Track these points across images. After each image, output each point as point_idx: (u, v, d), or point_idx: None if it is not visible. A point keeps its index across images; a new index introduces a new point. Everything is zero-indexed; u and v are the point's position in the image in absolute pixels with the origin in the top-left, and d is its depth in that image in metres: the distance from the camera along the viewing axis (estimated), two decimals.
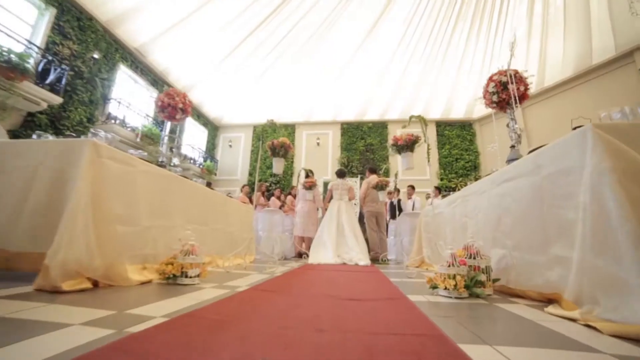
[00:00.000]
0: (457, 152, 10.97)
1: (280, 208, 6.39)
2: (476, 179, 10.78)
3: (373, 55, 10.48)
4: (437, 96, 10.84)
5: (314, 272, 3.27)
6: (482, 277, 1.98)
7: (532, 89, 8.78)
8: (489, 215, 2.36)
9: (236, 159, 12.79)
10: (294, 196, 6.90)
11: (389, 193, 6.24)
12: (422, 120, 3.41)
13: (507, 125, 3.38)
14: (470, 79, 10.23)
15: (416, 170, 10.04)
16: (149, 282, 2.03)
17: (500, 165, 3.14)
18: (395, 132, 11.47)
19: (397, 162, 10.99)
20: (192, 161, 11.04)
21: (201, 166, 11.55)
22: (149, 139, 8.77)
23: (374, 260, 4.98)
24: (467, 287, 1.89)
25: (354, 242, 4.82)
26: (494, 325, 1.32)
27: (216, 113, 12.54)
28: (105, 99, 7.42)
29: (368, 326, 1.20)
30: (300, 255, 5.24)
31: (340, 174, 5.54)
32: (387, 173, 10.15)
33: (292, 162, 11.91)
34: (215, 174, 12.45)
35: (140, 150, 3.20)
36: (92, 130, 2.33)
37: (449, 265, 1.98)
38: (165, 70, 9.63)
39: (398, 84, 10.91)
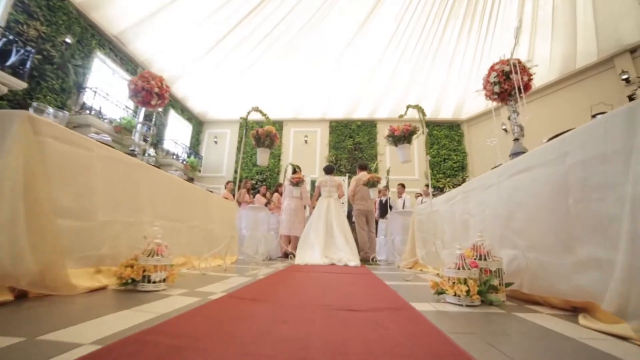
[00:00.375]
0: (445, 153, 10.87)
1: (265, 205, 6.04)
2: (464, 180, 10.73)
3: (363, 52, 10.24)
4: (427, 96, 10.70)
5: (301, 274, 2.95)
6: (495, 282, 1.72)
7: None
8: (497, 211, 2.11)
9: (221, 155, 12.32)
10: (281, 194, 6.56)
11: (379, 191, 6.00)
12: (420, 111, 3.15)
13: (509, 118, 3.15)
14: (460, 79, 10.15)
15: (405, 169, 9.87)
16: (103, 288, 1.67)
17: (502, 161, 2.92)
18: (387, 128, 11.28)
19: (386, 160, 10.79)
20: (174, 157, 10.51)
21: (184, 162, 11.04)
22: (127, 131, 8.24)
23: (364, 260, 4.71)
24: (479, 292, 1.62)
25: (344, 241, 4.54)
26: (529, 344, 1.05)
27: (201, 107, 12.04)
28: (80, 87, 6.87)
29: (374, 348, 0.90)
30: (286, 255, 4.92)
31: (329, 170, 5.25)
32: (376, 172, 9.90)
33: (279, 159, 11.55)
34: (200, 171, 11.94)
35: (103, 135, 2.81)
36: (34, 104, 1.93)
37: (458, 268, 1.71)
38: (148, 60, 9.10)
39: (388, 82, 10.72)
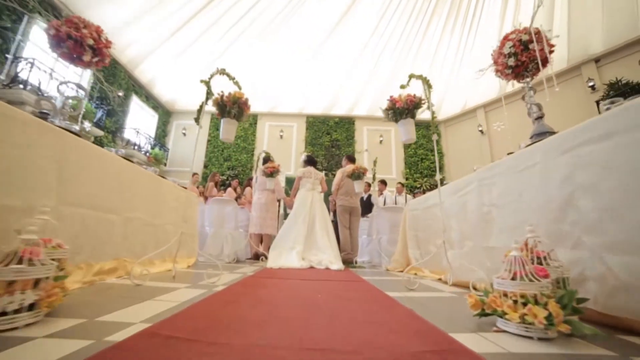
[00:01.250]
0: (423, 152, 10.59)
1: (236, 200, 5.24)
2: (441, 180, 10.47)
3: (343, 45, 9.70)
4: (406, 94, 10.33)
5: (274, 282, 2.25)
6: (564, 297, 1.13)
7: (496, 94, 8.42)
8: (543, 199, 1.54)
9: (190, 148, 11.22)
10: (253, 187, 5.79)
11: (368, 185, 5.44)
12: (426, 82, 2.57)
13: (523, 98, 2.65)
14: (440, 78, 9.89)
15: (382, 168, 9.39)
16: None
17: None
18: (363, 130, 10.84)
19: (363, 159, 10.31)
20: (135, 147, 9.32)
21: (148, 154, 9.87)
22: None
23: (346, 262, 4.08)
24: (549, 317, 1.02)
25: (326, 242, 3.88)
26: None
27: (169, 96, 10.90)
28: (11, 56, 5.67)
29: None
30: (257, 257, 4.18)
31: (311, 161, 4.57)
32: None
33: (252, 154, 10.70)
34: (165, 164, 10.79)
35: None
36: None
37: (514, 277, 1.10)
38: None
39: (367, 79, 10.25)
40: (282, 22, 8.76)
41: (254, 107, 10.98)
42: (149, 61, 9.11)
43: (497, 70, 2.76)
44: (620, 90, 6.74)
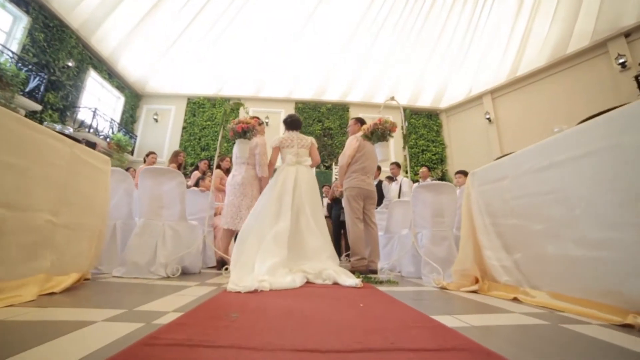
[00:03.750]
0: (424, 143, 9.20)
1: (197, 185, 3.58)
2: (443, 173, 9.14)
3: (335, 22, 8.22)
4: (405, 79, 8.96)
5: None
6: None
7: (505, 78, 7.00)
8: None
9: (162, 136, 9.42)
10: (226, 170, 4.13)
11: (378, 169, 3.90)
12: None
13: None
14: (444, 63, 8.55)
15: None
16: None
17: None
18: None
19: None
20: (91, 130, 7.44)
21: (109, 140, 7.99)
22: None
23: (358, 272, 2.52)
24: None
25: (318, 239, 2.33)
26: None
27: (138, 75, 9.05)
28: None
29: None
30: (223, 265, 2.53)
31: (294, 123, 3.02)
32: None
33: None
34: (132, 153, 8.93)
35: None
36: None
37: None
38: None
39: (363, 60, 8.80)
40: None
41: (237, 90, 9.31)
42: (106, 29, 7.28)
43: None
44: None
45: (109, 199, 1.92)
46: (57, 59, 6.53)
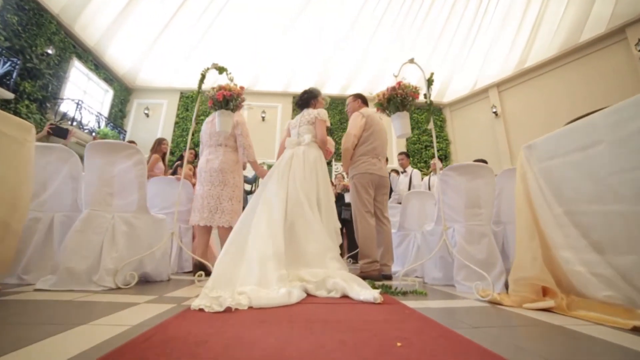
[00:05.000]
0: (427, 139, 8.67)
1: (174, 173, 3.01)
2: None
3: (334, 10, 7.70)
4: (409, 72, 8.42)
5: None
6: None
7: (512, 70, 6.45)
8: None
9: (153, 131, 8.79)
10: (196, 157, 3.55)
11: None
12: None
13: None
14: (448, 55, 8.04)
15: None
16: None
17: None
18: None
19: None
20: (73, 123, 6.84)
21: (94, 134, 7.39)
22: None
23: (373, 279, 1.96)
24: None
25: (320, 238, 1.77)
26: None
27: (127, 68, 8.47)
28: None
29: None
30: (200, 268, 1.95)
31: (302, 102, 2.48)
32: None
33: None
34: None
35: None
36: None
37: None
38: None
39: (363, 52, 8.28)
40: None
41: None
42: (89, 15, 6.70)
43: None
44: None
45: (27, 180, 1.34)
46: (35, 45, 5.93)
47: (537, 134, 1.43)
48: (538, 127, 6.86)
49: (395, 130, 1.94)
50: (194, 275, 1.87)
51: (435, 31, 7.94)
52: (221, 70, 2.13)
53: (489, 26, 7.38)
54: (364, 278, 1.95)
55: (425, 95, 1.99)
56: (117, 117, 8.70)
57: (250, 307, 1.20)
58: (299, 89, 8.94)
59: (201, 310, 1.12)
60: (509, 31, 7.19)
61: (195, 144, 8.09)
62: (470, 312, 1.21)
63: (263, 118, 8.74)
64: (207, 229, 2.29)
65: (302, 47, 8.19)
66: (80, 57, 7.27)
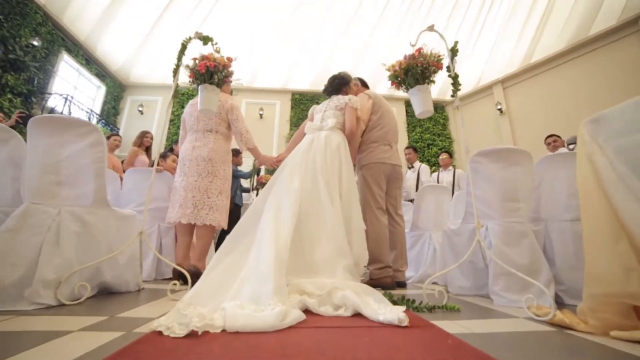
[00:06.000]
0: (429, 137, 8.34)
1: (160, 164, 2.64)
2: (454, 166, 8.26)
3: (334, 7, 7.39)
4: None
5: None
6: None
7: (518, 66, 6.09)
8: None
9: (148, 129, 8.38)
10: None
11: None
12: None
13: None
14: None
15: None
16: None
17: None
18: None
19: None
20: None
21: None
22: None
23: (384, 287, 1.61)
24: None
25: (336, 239, 1.41)
26: None
27: (120, 63, 8.11)
28: None
29: None
30: (179, 277, 1.59)
31: (332, 87, 2.16)
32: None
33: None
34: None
35: None
36: None
37: None
38: None
39: (363, 48, 7.96)
40: None
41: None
42: (78, 6, 6.35)
43: None
44: None
45: None
46: (19, 35, 5.57)
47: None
48: (545, 124, 6.56)
49: (416, 108, 1.59)
50: (178, 280, 1.50)
51: (438, 28, 7.62)
52: (206, 40, 1.78)
53: (494, 21, 7.08)
54: (374, 286, 1.60)
55: (448, 67, 1.65)
56: (110, 114, 8.33)
57: (224, 331, 0.85)
58: (297, 85, 8.64)
59: (159, 334, 0.79)
60: (515, 26, 6.89)
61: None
62: (534, 342, 0.85)
63: (261, 115, 8.39)
64: (190, 228, 1.93)
65: (301, 42, 7.86)
66: (70, 51, 6.91)
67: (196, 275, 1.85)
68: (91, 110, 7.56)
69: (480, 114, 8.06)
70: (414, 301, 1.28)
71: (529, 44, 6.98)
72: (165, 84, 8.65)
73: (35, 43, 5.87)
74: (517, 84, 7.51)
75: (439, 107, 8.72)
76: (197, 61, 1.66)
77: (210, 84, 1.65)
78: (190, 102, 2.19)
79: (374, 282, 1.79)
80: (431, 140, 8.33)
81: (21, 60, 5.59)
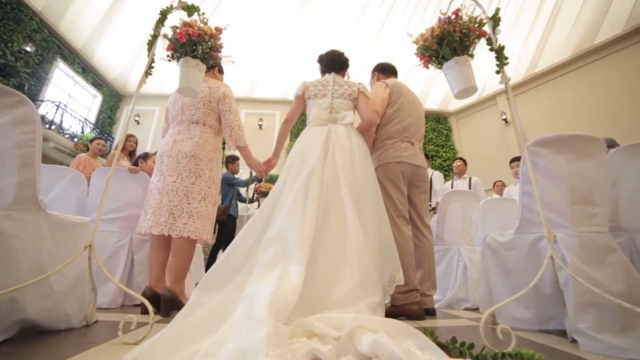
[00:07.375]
0: (433, 148, 8.04)
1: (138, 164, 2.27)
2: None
3: (334, 15, 7.28)
4: (413, 78, 7.92)
5: None
6: None
7: (522, 75, 5.75)
8: None
9: (144, 139, 8.09)
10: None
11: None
12: None
13: None
14: None
15: None
16: None
17: None
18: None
19: None
20: (52, 127, 6.14)
21: (76, 139, 6.68)
22: None
23: (410, 316, 1.19)
24: None
25: (362, 262, 0.99)
26: None
27: (117, 73, 7.89)
28: None
29: None
30: (151, 300, 1.18)
31: (333, 63, 1.74)
32: None
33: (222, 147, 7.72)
34: (105, 156, 7.56)
35: None
36: None
37: None
38: None
39: (364, 56, 7.78)
40: None
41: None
42: (74, 14, 6.17)
43: None
44: None
45: None
46: (11, 40, 5.32)
47: None
48: (551, 133, 6.26)
49: (454, 86, 1.23)
50: (142, 313, 1.08)
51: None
52: (191, 10, 1.44)
53: (497, 30, 6.95)
54: (397, 315, 1.18)
55: (488, 39, 1.30)
56: (106, 123, 8.03)
57: None
58: None
59: None
60: (519, 35, 6.74)
61: None
62: None
63: (260, 126, 8.11)
64: (165, 241, 1.52)
65: (301, 53, 7.69)
66: (65, 59, 6.68)
67: (170, 301, 1.43)
68: (85, 119, 7.25)
69: (485, 124, 7.80)
70: (471, 345, 0.87)
71: (533, 53, 6.81)
72: (162, 94, 8.41)
73: (28, 49, 5.63)
74: (522, 94, 7.28)
75: (442, 118, 8.48)
76: (177, 30, 1.31)
77: (193, 57, 1.29)
78: (181, 67, 1.83)
79: (397, 310, 1.37)
80: (435, 151, 8.02)
81: (11, 66, 5.32)
